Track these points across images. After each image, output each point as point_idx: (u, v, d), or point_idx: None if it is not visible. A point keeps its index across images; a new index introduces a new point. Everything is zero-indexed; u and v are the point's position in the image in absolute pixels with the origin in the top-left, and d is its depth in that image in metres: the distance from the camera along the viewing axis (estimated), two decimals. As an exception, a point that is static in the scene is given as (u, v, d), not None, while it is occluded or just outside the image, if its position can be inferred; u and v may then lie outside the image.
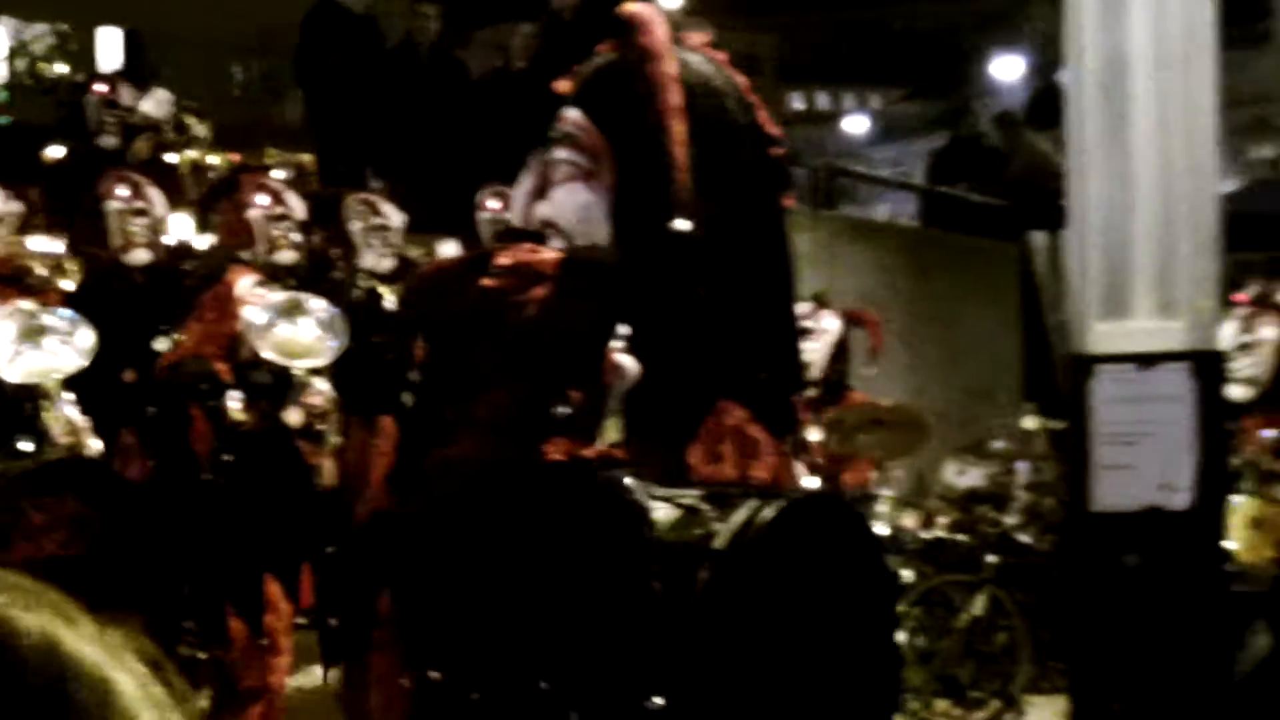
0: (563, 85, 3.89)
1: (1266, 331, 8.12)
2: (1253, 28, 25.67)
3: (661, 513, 3.65)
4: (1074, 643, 6.44)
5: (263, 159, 10.47)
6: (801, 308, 8.49)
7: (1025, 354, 11.39)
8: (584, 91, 3.81)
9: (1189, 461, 5.58)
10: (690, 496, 3.67)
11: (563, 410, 3.36)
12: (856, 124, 41.62)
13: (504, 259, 3.59)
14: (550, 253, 3.53)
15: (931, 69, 37.70)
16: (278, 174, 9.13)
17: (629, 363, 3.50)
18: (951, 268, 12.61)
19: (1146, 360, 5.61)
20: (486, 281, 3.55)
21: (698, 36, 3.78)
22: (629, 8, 3.60)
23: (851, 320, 8.96)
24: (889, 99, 43.27)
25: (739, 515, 3.57)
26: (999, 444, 10.04)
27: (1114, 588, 5.86)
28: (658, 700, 3.36)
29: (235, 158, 10.54)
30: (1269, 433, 8.02)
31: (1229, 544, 7.62)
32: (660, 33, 3.52)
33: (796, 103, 45.06)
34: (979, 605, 8.43)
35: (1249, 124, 27.75)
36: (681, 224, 3.36)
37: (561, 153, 3.76)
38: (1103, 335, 5.68)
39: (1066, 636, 6.77)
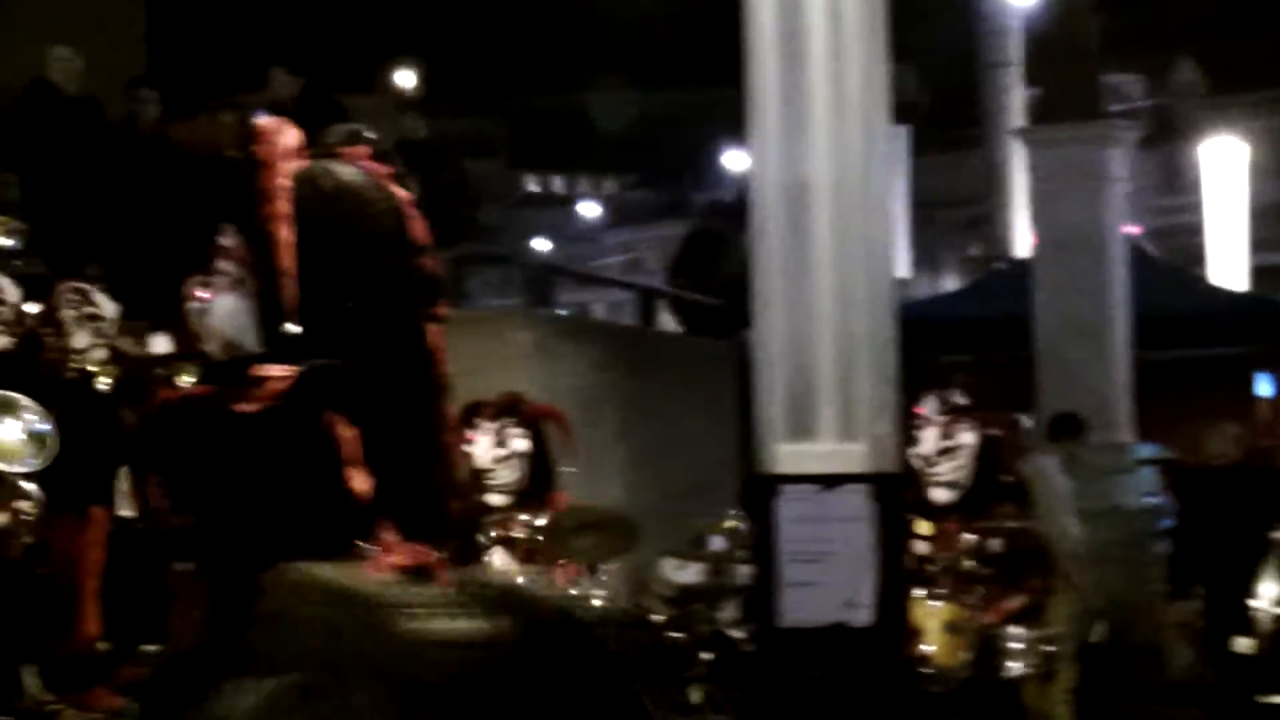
0: None
1: (965, 436, 8.33)
2: (964, 133, 26.65)
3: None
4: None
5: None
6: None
7: (741, 452, 11.59)
8: None
9: (870, 579, 5.76)
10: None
11: None
12: (589, 209, 42.09)
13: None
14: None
15: (662, 158, 38.32)
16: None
17: None
18: (669, 365, 12.81)
19: (829, 481, 5.80)
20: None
21: (360, 150, 3.86)
22: (257, 121, 3.68)
23: (540, 416, 9.00)
24: (623, 184, 43.85)
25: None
26: (717, 541, 10.21)
27: (800, 701, 6.02)
28: None
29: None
30: (968, 536, 8.22)
31: (925, 648, 7.84)
32: (275, 144, 3.58)
33: (532, 185, 45.43)
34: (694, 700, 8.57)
35: (966, 222, 28.64)
36: (291, 328, 3.40)
37: (221, 263, 3.81)
38: (787, 456, 5.87)
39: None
